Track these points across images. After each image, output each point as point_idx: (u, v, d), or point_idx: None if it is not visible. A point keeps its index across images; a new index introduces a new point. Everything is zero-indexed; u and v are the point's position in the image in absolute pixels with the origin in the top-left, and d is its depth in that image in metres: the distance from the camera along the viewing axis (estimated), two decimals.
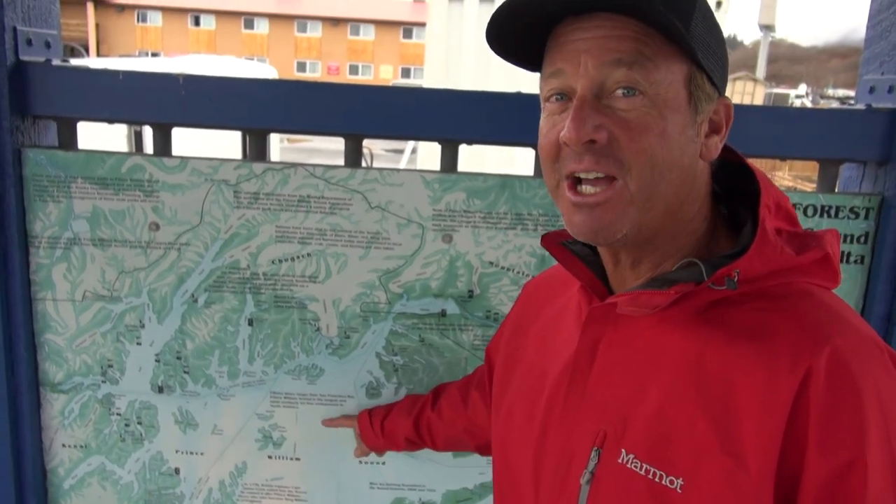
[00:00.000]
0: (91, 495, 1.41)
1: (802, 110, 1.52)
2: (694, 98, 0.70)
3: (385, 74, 37.11)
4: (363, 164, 1.37)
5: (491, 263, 1.31)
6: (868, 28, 1.35)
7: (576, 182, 0.70)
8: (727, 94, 0.75)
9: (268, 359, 1.35)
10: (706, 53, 0.69)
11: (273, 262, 1.31)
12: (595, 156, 0.68)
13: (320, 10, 37.43)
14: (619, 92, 0.67)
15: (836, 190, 1.35)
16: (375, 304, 1.33)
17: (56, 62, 1.30)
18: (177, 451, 1.40)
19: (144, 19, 36.76)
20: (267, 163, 1.29)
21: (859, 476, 0.61)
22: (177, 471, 1.40)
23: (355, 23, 37.85)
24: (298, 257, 1.31)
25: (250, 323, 1.34)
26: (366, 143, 1.43)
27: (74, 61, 1.44)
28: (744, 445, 0.64)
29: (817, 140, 1.29)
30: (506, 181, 1.28)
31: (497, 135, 1.30)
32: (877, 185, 1.31)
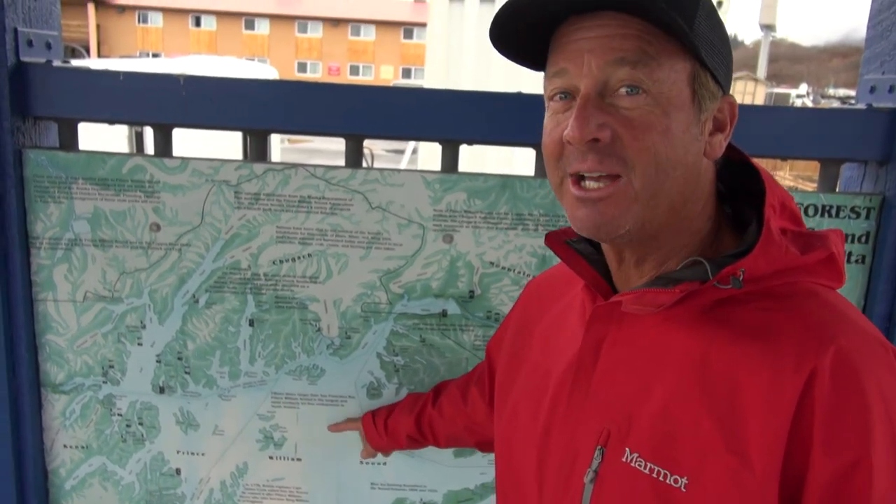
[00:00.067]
0: (92, 496, 1.42)
1: (803, 110, 1.52)
2: (698, 96, 0.70)
3: (386, 75, 37.12)
4: (364, 164, 1.37)
5: (492, 264, 1.31)
6: (869, 28, 1.35)
7: (580, 179, 0.70)
8: None
9: (269, 359, 1.35)
10: (710, 51, 0.69)
11: (274, 262, 1.31)
12: (598, 155, 0.68)
13: (321, 11, 37.45)
14: (623, 90, 0.67)
15: (837, 190, 1.35)
16: (376, 305, 1.33)
17: (57, 63, 1.30)
18: (178, 452, 1.40)
19: (145, 20, 36.78)
20: (268, 163, 1.29)
21: (864, 476, 0.61)
22: (178, 471, 1.41)
23: (356, 23, 37.86)
24: (299, 258, 1.31)
25: (251, 323, 1.34)
26: (366, 143, 1.43)
27: (75, 62, 1.45)
28: (749, 445, 0.64)
29: (818, 140, 1.29)
30: (506, 181, 1.28)
31: (498, 135, 1.30)
32: (878, 185, 1.31)
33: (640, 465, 0.69)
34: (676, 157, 0.68)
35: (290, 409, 1.37)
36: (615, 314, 0.75)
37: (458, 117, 1.29)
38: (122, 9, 35.88)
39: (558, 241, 0.82)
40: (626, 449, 0.71)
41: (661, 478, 0.68)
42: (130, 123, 1.39)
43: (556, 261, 0.85)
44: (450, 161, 1.34)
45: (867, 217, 1.29)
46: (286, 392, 1.37)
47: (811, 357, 0.63)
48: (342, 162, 1.35)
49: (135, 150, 5.47)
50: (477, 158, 6.07)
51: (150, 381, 1.36)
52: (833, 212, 1.29)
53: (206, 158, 1.29)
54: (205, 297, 1.33)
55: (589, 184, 0.70)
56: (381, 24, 37.73)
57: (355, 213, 1.29)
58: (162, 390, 1.37)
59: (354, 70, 37.87)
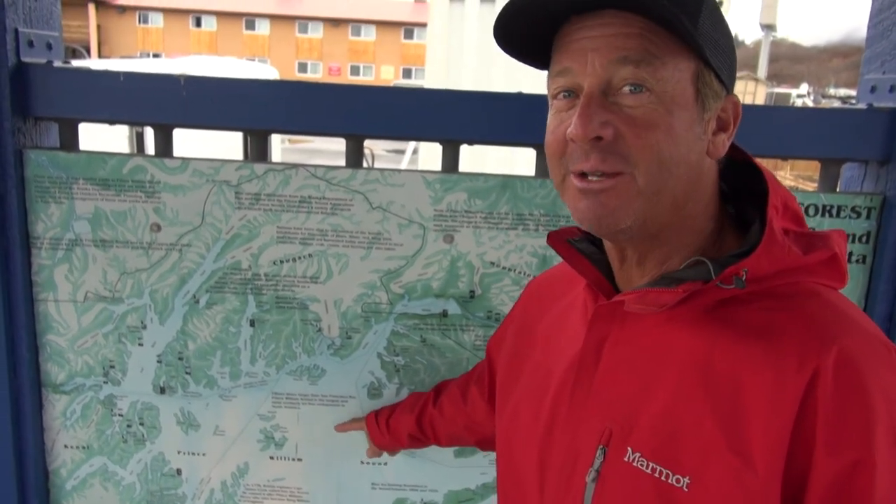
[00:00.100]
0: (93, 496, 1.42)
1: (804, 110, 1.52)
2: (701, 95, 0.70)
3: (386, 75, 37.13)
4: (364, 164, 1.37)
5: (492, 264, 1.31)
6: (869, 27, 1.35)
7: (583, 176, 0.70)
8: None
9: (269, 359, 1.35)
10: (714, 51, 0.69)
11: (274, 262, 1.31)
12: (601, 153, 0.68)
13: (321, 11, 37.46)
14: (626, 89, 0.67)
15: (838, 189, 1.35)
16: (377, 305, 1.33)
17: (57, 64, 1.30)
18: (179, 452, 1.40)
19: (146, 20, 36.80)
20: (268, 163, 1.29)
21: (867, 476, 0.61)
22: (179, 471, 1.41)
23: (356, 23, 37.87)
24: (300, 258, 1.31)
25: (252, 324, 1.34)
26: (367, 143, 1.43)
27: (76, 63, 1.45)
28: (751, 445, 0.64)
29: (819, 139, 1.29)
30: (507, 181, 1.28)
31: (498, 135, 1.30)
32: (878, 185, 1.31)
33: (642, 465, 0.69)
34: (679, 155, 0.68)
35: (291, 410, 1.37)
36: (617, 314, 0.75)
37: (458, 117, 1.29)
38: (123, 9, 35.89)
39: (560, 240, 0.82)
40: (628, 448, 0.71)
41: (662, 477, 0.68)
42: (131, 124, 1.39)
43: (557, 261, 0.85)
44: (450, 161, 1.34)
45: (868, 217, 1.29)
46: (287, 392, 1.37)
47: (814, 357, 0.63)
48: (343, 162, 1.35)
49: (135, 151, 5.47)
50: (477, 158, 6.07)
51: (151, 381, 1.36)
52: (834, 212, 1.29)
53: (207, 159, 1.29)
54: (205, 297, 1.33)
55: (592, 178, 0.70)
56: (381, 24, 37.73)
57: (356, 213, 1.29)
58: (163, 390, 1.37)
59: (355, 70, 37.88)
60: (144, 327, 1.34)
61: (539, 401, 0.83)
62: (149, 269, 1.32)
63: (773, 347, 0.66)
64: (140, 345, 1.35)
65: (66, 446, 1.40)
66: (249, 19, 37.45)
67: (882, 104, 1.29)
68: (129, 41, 35.85)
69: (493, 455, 1.36)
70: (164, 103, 1.28)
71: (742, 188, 0.77)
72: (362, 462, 1.40)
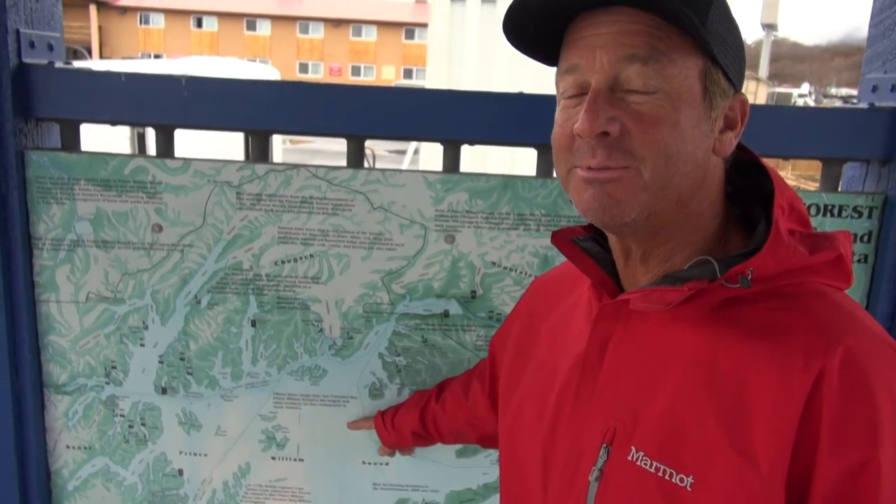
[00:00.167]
0: (95, 496, 1.42)
1: (805, 109, 1.52)
2: (709, 93, 0.70)
3: (387, 75, 37.14)
4: (365, 164, 1.37)
5: (493, 264, 1.31)
6: (870, 27, 1.34)
7: (588, 170, 0.70)
8: None
9: (271, 360, 1.35)
10: (722, 49, 0.69)
11: (276, 263, 1.31)
12: (607, 149, 0.68)
13: (322, 12, 37.48)
14: (634, 85, 0.68)
15: (840, 189, 1.35)
16: (378, 305, 1.33)
17: (59, 64, 1.30)
18: (180, 453, 1.40)
19: (147, 21, 36.84)
20: (269, 164, 1.29)
21: (872, 476, 0.61)
22: (180, 472, 1.41)
23: (357, 24, 37.89)
24: (301, 258, 1.31)
25: (253, 324, 1.34)
26: (368, 143, 1.43)
27: (77, 63, 1.45)
28: (755, 444, 0.64)
29: (820, 139, 1.29)
30: (508, 181, 1.28)
31: (499, 135, 1.30)
32: (880, 184, 1.30)
33: (645, 464, 0.69)
34: (686, 151, 0.68)
35: (293, 410, 1.37)
36: (622, 312, 0.75)
37: (459, 118, 1.29)
38: (124, 10, 35.92)
39: (564, 239, 0.82)
40: (632, 447, 0.71)
41: (666, 476, 0.68)
42: (132, 124, 1.39)
43: (558, 261, 0.85)
44: (451, 161, 1.34)
45: (869, 216, 1.29)
46: (288, 392, 1.37)
47: (819, 357, 0.63)
48: (344, 162, 1.35)
49: (137, 152, 5.48)
50: (478, 159, 6.07)
51: (153, 381, 1.37)
52: (835, 211, 1.29)
53: (208, 159, 1.29)
54: (207, 297, 1.33)
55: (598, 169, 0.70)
56: (382, 24, 37.75)
57: (357, 213, 1.29)
58: (164, 391, 1.37)
59: (356, 71, 37.90)
60: (146, 328, 1.34)
61: (543, 399, 0.83)
62: (150, 269, 1.32)
63: (779, 347, 0.66)
64: (142, 345, 1.35)
65: (67, 447, 1.40)
66: (250, 20, 37.48)
67: (883, 103, 1.28)
68: (130, 42, 35.89)
69: (494, 455, 1.37)
70: (166, 104, 1.28)
71: (748, 188, 0.77)
72: (364, 462, 1.40)
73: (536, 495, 0.82)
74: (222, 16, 37.15)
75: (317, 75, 37.33)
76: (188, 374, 1.36)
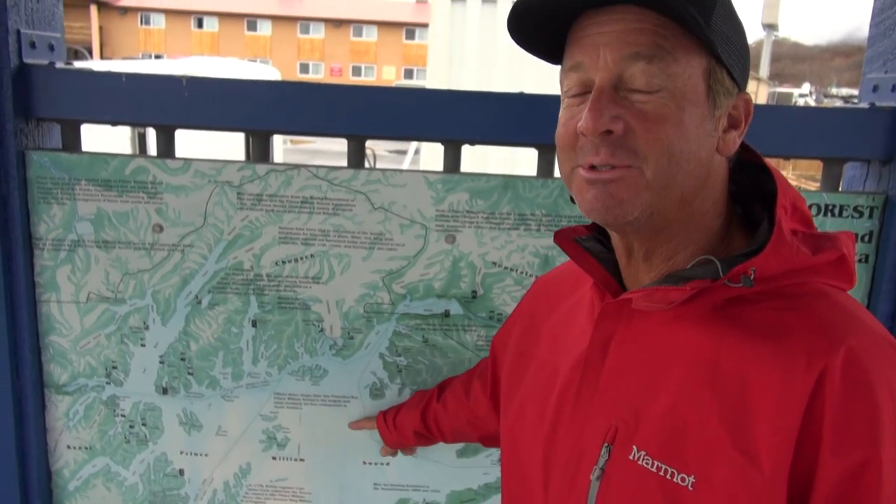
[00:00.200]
0: (96, 497, 1.42)
1: (806, 109, 1.52)
2: (713, 92, 0.70)
3: (388, 75, 37.14)
4: (366, 165, 1.37)
5: (494, 264, 1.31)
6: (871, 27, 1.34)
7: (592, 168, 0.70)
8: None
9: (271, 360, 1.35)
10: (726, 48, 0.69)
11: (276, 263, 1.31)
12: (611, 147, 0.68)
13: (323, 12, 37.49)
14: (637, 84, 0.68)
15: (840, 189, 1.35)
16: (379, 305, 1.33)
17: (59, 65, 1.30)
18: (181, 453, 1.40)
19: (148, 22, 36.86)
20: (270, 164, 1.29)
21: (874, 476, 0.61)
22: (181, 472, 1.41)
23: (358, 24, 37.90)
24: (302, 258, 1.31)
25: (254, 324, 1.34)
26: (369, 144, 1.43)
27: (78, 64, 1.45)
28: (757, 444, 0.64)
29: (821, 139, 1.29)
30: (509, 181, 1.28)
31: (500, 135, 1.30)
32: (881, 184, 1.30)
33: (647, 464, 0.69)
34: (689, 150, 0.68)
35: (293, 410, 1.37)
36: (624, 312, 0.75)
37: (460, 118, 1.29)
38: (125, 10, 35.94)
39: (567, 238, 0.82)
40: (634, 447, 0.71)
41: (668, 476, 0.68)
42: (133, 125, 1.39)
43: (559, 261, 0.85)
44: (452, 161, 1.34)
45: (870, 216, 1.29)
46: (289, 393, 1.37)
47: (822, 357, 0.63)
48: (344, 162, 1.35)
49: (137, 152, 5.48)
50: (479, 159, 6.07)
51: (154, 381, 1.37)
52: (836, 211, 1.29)
53: (209, 159, 1.29)
54: (208, 297, 1.33)
55: (601, 168, 0.70)
56: (382, 24, 37.75)
57: (358, 213, 1.29)
58: (165, 391, 1.37)
59: (356, 71, 37.91)
60: (147, 328, 1.34)
61: (544, 399, 0.83)
62: (151, 269, 1.32)
63: (781, 347, 0.66)
64: (142, 345, 1.35)
65: (68, 447, 1.40)
66: (251, 20, 37.49)
67: (884, 103, 1.28)
68: (130, 42, 35.91)
69: (495, 455, 1.37)
70: (166, 104, 1.28)
71: (751, 188, 0.77)
72: (365, 462, 1.40)
73: (538, 495, 0.82)
74: (223, 16, 37.16)
75: (317, 75, 37.34)
76: (189, 374, 1.36)
